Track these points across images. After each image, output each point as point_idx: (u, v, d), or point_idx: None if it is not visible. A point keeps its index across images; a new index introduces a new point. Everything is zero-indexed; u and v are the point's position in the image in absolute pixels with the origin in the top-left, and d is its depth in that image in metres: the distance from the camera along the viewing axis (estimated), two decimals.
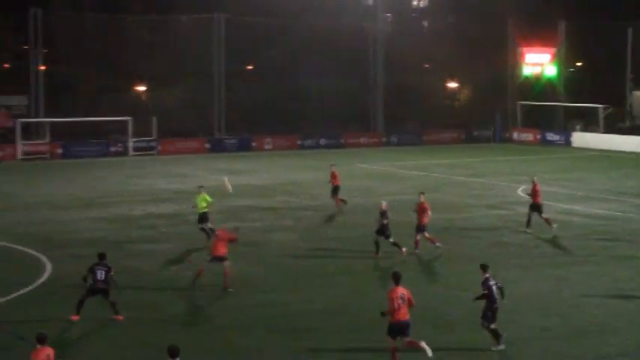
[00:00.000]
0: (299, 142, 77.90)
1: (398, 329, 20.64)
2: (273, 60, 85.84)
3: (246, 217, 40.87)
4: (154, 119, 73.58)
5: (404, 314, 20.69)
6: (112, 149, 71.71)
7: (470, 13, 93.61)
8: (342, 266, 31.11)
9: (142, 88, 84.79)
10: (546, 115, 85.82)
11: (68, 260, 31.61)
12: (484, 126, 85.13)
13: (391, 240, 32.12)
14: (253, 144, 76.86)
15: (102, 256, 24.93)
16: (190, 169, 61.49)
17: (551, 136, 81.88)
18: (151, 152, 72.54)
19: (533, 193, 36.96)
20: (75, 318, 24.19)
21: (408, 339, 20.75)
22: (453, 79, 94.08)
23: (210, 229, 33.14)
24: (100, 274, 24.41)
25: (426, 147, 78.66)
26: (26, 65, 74.97)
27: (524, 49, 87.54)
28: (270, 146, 76.66)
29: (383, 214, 32.32)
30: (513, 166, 63.13)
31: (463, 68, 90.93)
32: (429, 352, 20.64)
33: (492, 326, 21.96)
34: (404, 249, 32.15)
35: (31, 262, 31.37)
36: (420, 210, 33.20)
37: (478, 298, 22.30)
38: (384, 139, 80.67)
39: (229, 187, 36.75)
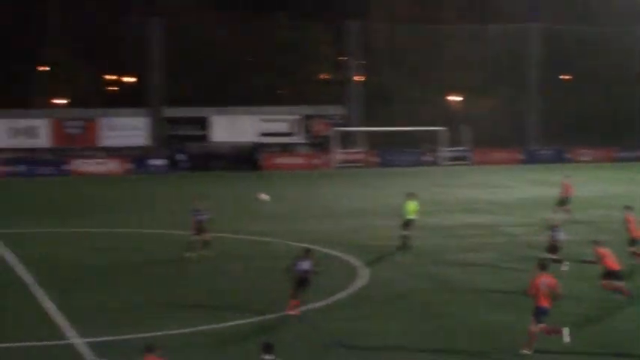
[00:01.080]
0: (617, 155, 75.21)
1: (536, 314, 21.76)
2: (591, 69, 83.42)
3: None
4: (468, 129, 73.48)
5: (544, 300, 21.72)
6: (425, 158, 72.31)
7: None
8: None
9: (455, 98, 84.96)
10: None
11: (383, 267, 32.05)
12: None
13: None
14: (568, 155, 75.03)
15: (307, 251, 25.96)
16: (503, 179, 60.90)
17: None
18: (464, 162, 72.51)
19: None
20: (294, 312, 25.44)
21: (542, 325, 21.82)
22: None
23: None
24: (304, 266, 25.47)
25: None
26: (344, 76, 77.13)
27: None
28: (586, 158, 74.56)
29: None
30: None
31: None
32: (567, 339, 21.76)
33: None
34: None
35: (348, 267, 32.00)
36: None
37: None
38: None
39: (265, 197, 34.77)
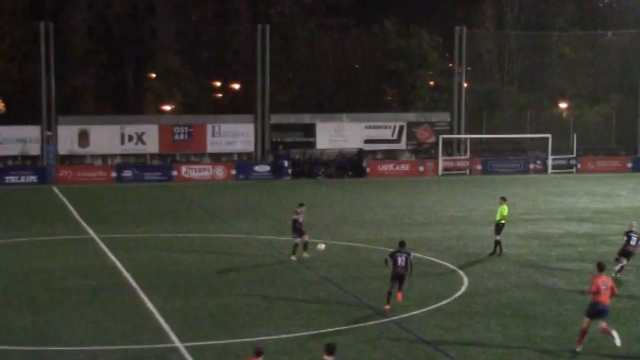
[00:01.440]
0: None
1: (596, 312, 22.52)
2: None
3: None
4: (575, 137, 72.42)
5: (605, 299, 22.51)
6: (531, 166, 71.50)
7: None
8: None
9: (563, 105, 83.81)
10: None
11: (485, 275, 31.82)
12: None
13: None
14: None
15: (402, 244, 27.22)
16: (611, 188, 59.84)
17: None
18: (570, 170, 71.47)
19: None
20: (387, 308, 26.49)
21: (603, 324, 22.44)
22: None
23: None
24: (401, 261, 26.73)
25: None
26: (450, 83, 76.80)
27: None
28: None
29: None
30: None
31: None
32: (617, 342, 22.29)
33: None
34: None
35: (450, 275, 31.87)
36: None
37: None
38: None
39: (321, 247, 34.35)
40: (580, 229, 42.61)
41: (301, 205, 35.27)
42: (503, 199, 36.20)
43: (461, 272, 32.06)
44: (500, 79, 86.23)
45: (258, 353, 17.64)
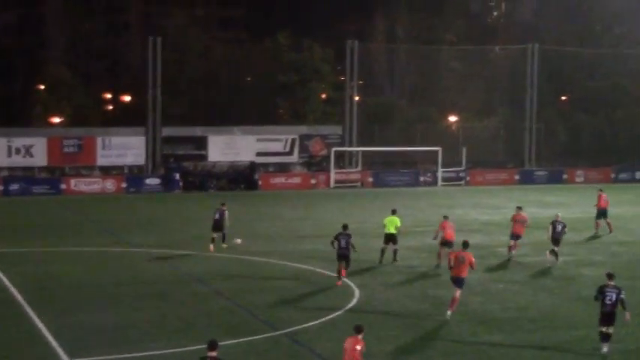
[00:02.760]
0: (613, 176, 75.31)
1: (454, 281, 27.92)
2: (588, 90, 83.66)
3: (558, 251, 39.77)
4: (464, 150, 73.58)
5: (459, 271, 27.76)
6: (422, 179, 72.38)
7: None
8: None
9: (453, 119, 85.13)
10: None
11: (376, 287, 32.05)
12: None
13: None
14: (564, 176, 75.14)
15: (345, 227, 32.90)
16: (500, 200, 60.92)
17: None
18: (460, 182, 72.61)
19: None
20: (338, 283, 31.89)
21: (458, 292, 27.67)
22: None
23: None
24: (344, 242, 32.18)
25: None
26: (342, 96, 77.33)
27: None
28: (582, 179, 74.71)
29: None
30: None
31: None
32: (448, 314, 27.22)
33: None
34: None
35: (341, 287, 31.97)
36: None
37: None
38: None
39: (238, 242, 38.64)
40: (470, 240, 43.02)
41: (223, 204, 40.06)
42: (394, 211, 37.40)
43: (352, 284, 32.20)
44: (392, 92, 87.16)
45: (212, 347, 18.08)
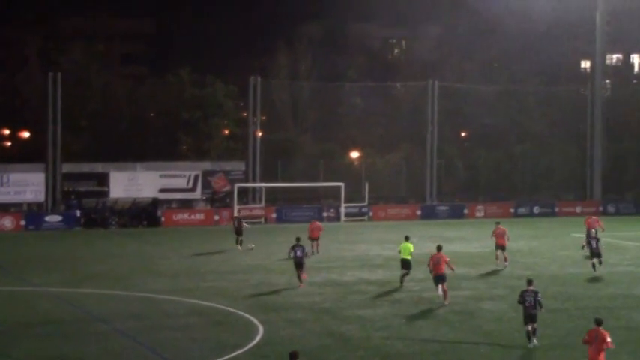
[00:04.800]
0: (512, 210, 76.69)
1: (436, 278, 35.44)
2: (487, 126, 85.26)
3: (457, 284, 40.30)
4: (367, 185, 74.14)
5: (440, 269, 35.23)
6: (325, 214, 72.63)
7: None
8: (556, 338, 30.02)
9: (355, 155, 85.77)
10: None
11: (280, 324, 31.97)
12: None
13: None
14: (465, 211, 76.24)
15: (298, 239, 39.44)
16: (402, 235, 61.24)
17: None
18: (363, 218, 73.08)
19: None
20: (301, 286, 38.84)
21: (443, 286, 35.36)
22: None
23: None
24: (299, 252, 38.94)
25: None
26: (245, 132, 77.35)
27: None
28: (482, 214, 75.85)
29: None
30: None
31: None
32: (441, 298, 35.00)
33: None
34: None
35: (244, 325, 31.85)
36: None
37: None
38: (601, 209, 78.01)
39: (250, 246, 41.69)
40: (372, 275, 43.51)
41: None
42: (407, 238, 40.83)
43: (256, 321, 32.09)
44: (295, 128, 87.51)
45: (293, 357, 19.69)
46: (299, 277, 39.06)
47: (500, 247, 46.01)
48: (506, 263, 45.33)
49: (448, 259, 35.63)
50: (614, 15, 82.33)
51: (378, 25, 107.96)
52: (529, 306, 28.28)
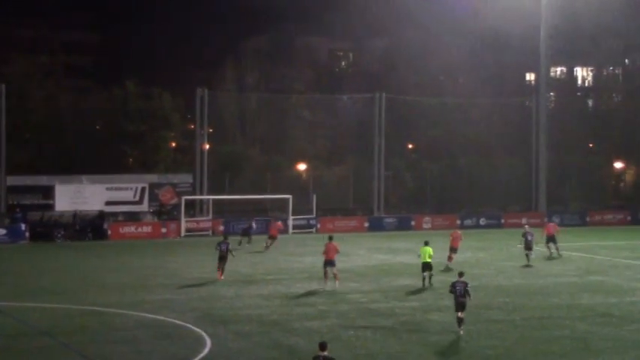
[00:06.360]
0: (458, 222, 77.21)
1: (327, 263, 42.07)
2: (433, 138, 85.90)
3: (404, 296, 40.52)
4: (314, 197, 74.26)
5: (331, 255, 42.14)
6: None
7: (637, 92, 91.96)
8: (502, 348, 30.28)
9: (303, 167, 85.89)
10: None
11: (228, 337, 31.90)
12: None
13: None
14: (412, 223, 76.64)
15: (225, 237, 46.44)
16: (349, 247, 61.52)
17: None
18: (311, 230, 73.15)
19: None
20: (220, 278, 44.04)
21: (334, 270, 42.04)
22: (618, 158, 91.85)
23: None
24: (224, 246, 44.82)
25: (589, 228, 77.00)
26: (192, 144, 77.12)
27: None
28: (429, 225, 76.29)
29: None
30: None
31: (629, 148, 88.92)
32: (335, 285, 41.73)
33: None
34: None
35: (192, 338, 31.73)
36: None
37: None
38: (546, 220, 78.68)
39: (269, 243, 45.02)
40: (320, 287, 43.51)
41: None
42: (426, 243, 43.65)
43: (204, 334, 31.98)
44: (242, 140, 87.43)
45: (323, 347, 21.18)
46: (219, 269, 44.72)
47: (454, 250, 50.63)
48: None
49: (339, 249, 43.20)
50: (558, 29, 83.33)
51: (325, 37, 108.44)
52: (459, 295, 31.79)
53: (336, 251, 42.73)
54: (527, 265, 51.05)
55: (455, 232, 52.15)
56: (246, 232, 62.28)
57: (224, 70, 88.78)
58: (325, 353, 21.09)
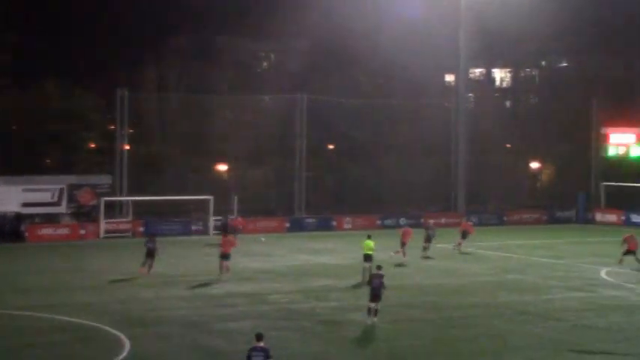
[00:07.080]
0: (379, 222, 77.71)
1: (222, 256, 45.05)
2: (354, 139, 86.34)
3: (325, 296, 40.72)
4: (235, 198, 74.09)
5: (227, 249, 45.15)
6: (194, 228, 72.36)
7: (553, 93, 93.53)
8: (422, 347, 30.59)
9: (224, 167, 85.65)
10: (631, 196, 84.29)
11: (147, 339, 31.75)
12: (566, 207, 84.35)
13: None
14: (333, 223, 76.94)
15: (153, 235, 49.78)
16: (271, 248, 61.65)
17: (636, 218, 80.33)
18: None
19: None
20: (145, 273, 46.21)
21: (227, 263, 45.32)
22: (535, 159, 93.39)
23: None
24: (151, 244, 47.04)
25: (507, 227, 78.17)
26: (112, 145, 76.41)
27: (609, 130, 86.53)
28: (349, 226, 76.64)
29: None
30: (596, 248, 62.09)
31: (545, 148, 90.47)
32: (224, 277, 44.32)
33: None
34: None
35: (111, 340, 31.50)
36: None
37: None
38: (464, 219, 79.56)
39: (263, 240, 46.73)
40: (240, 288, 43.52)
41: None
42: (369, 237, 45.89)
43: (123, 336, 31.77)
44: (163, 141, 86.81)
45: (259, 338, 22.09)
46: (146, 265, 46.76)
47: (403, 244, 54.01)
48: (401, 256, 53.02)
49: (237, 243, 48.38)
50: (477, 31, 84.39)
51: (247, 38, 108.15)
52: (375, 287, 33.76)
53: (232, 245, 46.79)
54: (427, 257, 54.93)
55: (406, 229, 55.48)
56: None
57: (145, 70, 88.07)
58: (262, 344, 21.71)
